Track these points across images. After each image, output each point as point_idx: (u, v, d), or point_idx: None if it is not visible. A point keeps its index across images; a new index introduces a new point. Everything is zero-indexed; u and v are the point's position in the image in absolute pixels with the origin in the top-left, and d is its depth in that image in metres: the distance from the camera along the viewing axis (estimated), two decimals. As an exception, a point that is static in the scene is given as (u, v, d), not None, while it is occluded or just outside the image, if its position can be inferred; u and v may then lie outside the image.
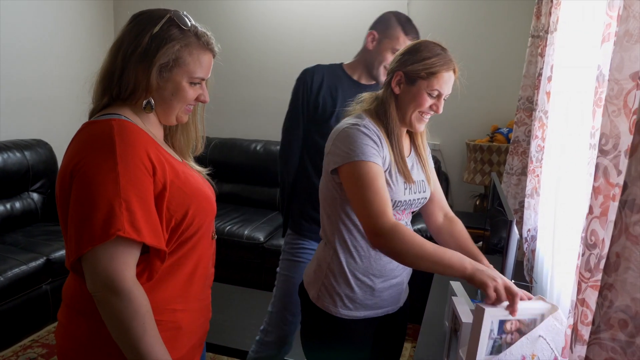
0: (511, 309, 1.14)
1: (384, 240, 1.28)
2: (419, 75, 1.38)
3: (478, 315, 1.15)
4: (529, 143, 2.33)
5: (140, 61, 1.08)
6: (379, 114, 1.45)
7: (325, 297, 1.48)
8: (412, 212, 1.57)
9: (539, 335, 1.15)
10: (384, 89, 1.48)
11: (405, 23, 1.88)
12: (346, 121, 1.44)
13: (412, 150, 1.56)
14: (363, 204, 1.32)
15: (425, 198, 1.54)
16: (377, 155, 1.36)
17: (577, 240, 1.06)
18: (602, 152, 0.91)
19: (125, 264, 1.00)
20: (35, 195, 3.50)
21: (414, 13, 3.63)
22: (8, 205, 3.30)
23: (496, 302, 1.15)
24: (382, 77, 1.88)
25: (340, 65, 2.00)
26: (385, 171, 1.39)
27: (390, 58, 1.82)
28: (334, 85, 1.95)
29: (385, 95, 1.45)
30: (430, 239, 1.48)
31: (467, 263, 1.23)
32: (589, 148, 1.06)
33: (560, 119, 2.09)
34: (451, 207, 1.68)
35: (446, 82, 1.39)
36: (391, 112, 1.43)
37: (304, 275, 1.58)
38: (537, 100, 2.21)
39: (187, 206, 1.12)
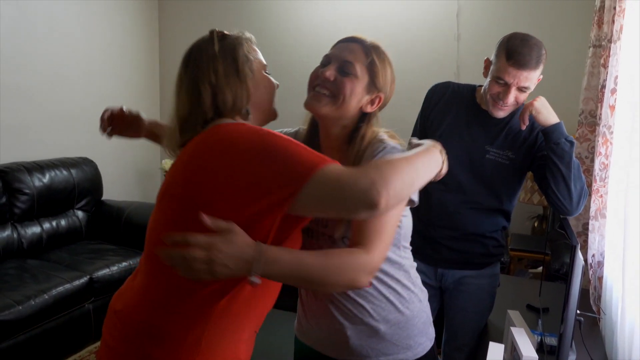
0: None
1: None
2: None
3: None
4: (592, 160, 2.18)
5: (230, 78, 1.11)
6: None
7: None
8: None
9: None
10: None
11: (512, 48, 1.59)
12: None
13: None
14: None
15: None
16: None
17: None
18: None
19: None
20: (80, 213, 3.53)
21: (463, 23, 3.52)
22: (54, 223, 3.34)
23: None
24: (492, 108, 1.68)
25: (474, 86, 1.83)
26: None
27: (495, 89, 1.64)
28: (450, 105, 1.81)
29: None
30: None
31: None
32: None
33: (625, 134, 1.94)
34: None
35: None
36: None
37: None
38: (600, 114, 2.07)
39: None
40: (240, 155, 0.98)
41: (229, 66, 1.11)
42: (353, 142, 1.19)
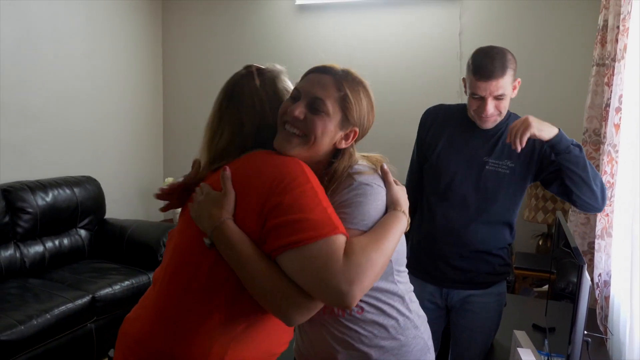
0: None
1: None
2: None
3: None
4: (597, 179, 2.16)
5: (273, 110, 1.14)
6: None
7: None
8: None
9: None
10: None
11: (476, 63, 1.66)
12: None
13: None
14: None
15: None
16: None
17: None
18: None
19: None
20: (82, 232, 3.51)
21: (466, 41, 3.54)
22: (57, 242, 3.32)
23: None
24: (479, 122, 1.74)
25: (465, 104, 1.85)
26: None
27: (474, 104, 1.70)
28: (444, 125, 1.85)
29: None
30: None
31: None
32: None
33: (631, 153, 1.94)
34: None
35: None
36: None
37: None
38: (604, 132, 2.06)
39: None
40: (277, 185, 1.00)
41: (271, 99, 1.15)
42: (324, 179, 1.12)
